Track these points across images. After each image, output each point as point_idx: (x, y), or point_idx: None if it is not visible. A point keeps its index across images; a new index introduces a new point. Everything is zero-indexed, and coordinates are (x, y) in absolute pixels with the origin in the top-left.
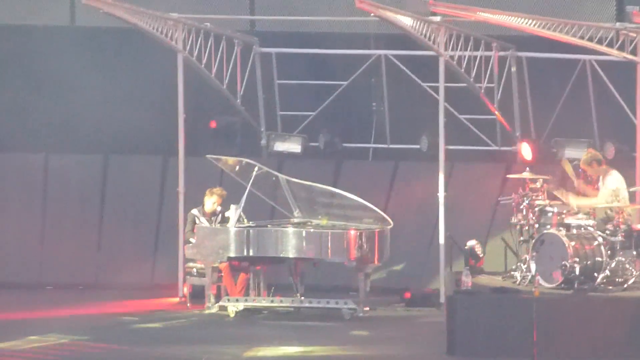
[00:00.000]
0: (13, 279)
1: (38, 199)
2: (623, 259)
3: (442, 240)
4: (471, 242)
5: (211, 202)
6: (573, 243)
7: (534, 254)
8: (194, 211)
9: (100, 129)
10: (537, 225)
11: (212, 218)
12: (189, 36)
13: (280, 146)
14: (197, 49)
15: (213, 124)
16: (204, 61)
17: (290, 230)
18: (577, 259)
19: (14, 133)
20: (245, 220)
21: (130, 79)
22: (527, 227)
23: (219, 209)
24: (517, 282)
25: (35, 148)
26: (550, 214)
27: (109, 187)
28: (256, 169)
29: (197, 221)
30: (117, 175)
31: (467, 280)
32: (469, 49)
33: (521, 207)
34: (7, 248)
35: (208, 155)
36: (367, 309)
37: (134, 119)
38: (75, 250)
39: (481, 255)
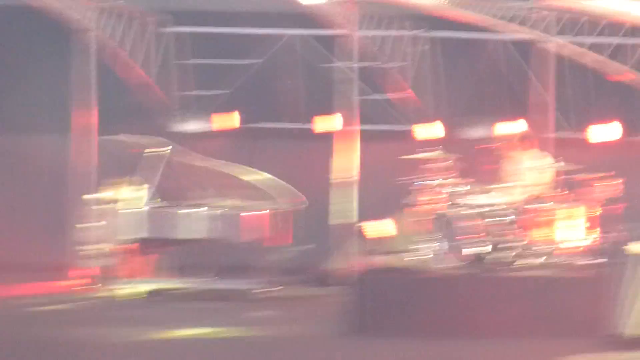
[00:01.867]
0: None
1: None
2: (533, 238)
3: (354, 217)
4: (381, 222)
5: (121, 191)
6: (481, 222)
7: (443, 233)
8: (103, 194)
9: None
10: (447, 204)
11: (125, 202)
12: (101, 16)
13: (194, 126)
14: (110, 29)
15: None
16: (117, 41)
17: (201, 211)
18: (486, 238)
19: None
20: (158, 200)
21: (39, 59)
22: (436, 206)
23: (131, 194)
24: (426, 262)
25: None
26: (460, 193)
27: (15, 168)
28: (170, 148)
29: (108, 204)
30: (24, 156)
31: (376, 260)
32: (382, 28)
33: (433, 186)
34: None
35: (121, 135)
36: (274, 289)
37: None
38: None
39: (391, 235)
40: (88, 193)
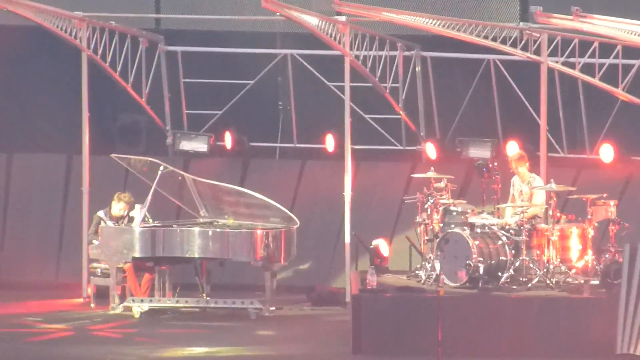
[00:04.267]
0: None
1: None
2: (527, 259)
3: (347, 239)
4: (376, 242)
5: (118, 208)
6: (477, 242)
7: (439, 253)
8: (100, 213)
9: (4, 127)
10: (441, 225)
11: (120, 222)
12: (93, 34)
13: (187, 145)
14: (101, 48)
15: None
16: (109, 60)
17: (196, 230)
18: (481, 259)
19: None
20: (151, 220)
21: (34, 77)
22: (431, 226)
23: (125, 213)
24: (422, 281)
25: None
26: (454, 213)
27: (12, 186)
28: (161, 168)
29: (102, 223)
30: (21, 174)
31: (373, 280)
32: (374, 48)
33: (426, 206)
34: None
35: (113, 155)
36: (273, 308)
37: (39, 118)
38: None
39: (386, 255)
40: (82, 212)
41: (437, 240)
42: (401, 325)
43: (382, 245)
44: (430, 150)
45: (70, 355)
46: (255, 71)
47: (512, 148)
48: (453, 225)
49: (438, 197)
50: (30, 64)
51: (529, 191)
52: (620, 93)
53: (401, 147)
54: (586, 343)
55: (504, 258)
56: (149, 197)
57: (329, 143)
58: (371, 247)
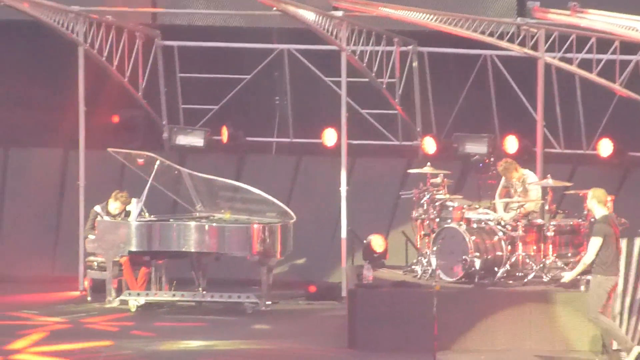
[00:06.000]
0: None
1: None
2: (523, 254)
3: (344, 234)
4: (370, 237)
5: (114, 207)
6: (473, 237)
7: (435, 248)
8: (97, 208)
9: (0, 122)
10: (437, 220)
11: (116, 217)
12: (90, 29)
13: (183, 140)
14: (98, 42)
15: (116, 119)
16: (105, 54)
17: (192, 224)
18: (477, 254)
19: None
20: (147, 214)
21: (30, 72)
22: (427, 222)
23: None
24: (418, 276)
25: None
26: (450, 208)
27: (9, 180)
28: (158, 162)
29: (98, 218)
30: (18, 168)
31: (369, 274)
32: (370, 43)
33: (422, 201)
34: None
35: (109, 149)
36: (269, 302)
37: (35, 112)
38: None
39: (380, 250)
40: (79, 206)
41: (434, 235)
42: (397, 320)
43: (375, 240)
44: (429, 144)
45: (65, 348)
46: (252, 66)
47: (511, 144)
48: (449, 220)
49: (434, 192)
50: (27, 58)
51: (524, 188)
52: (617, 89)
53: (398, 143)
54: (583, 338)
55: (500, 253)
56: (145, 191)
57: (329, 137)
58: (367, 242)
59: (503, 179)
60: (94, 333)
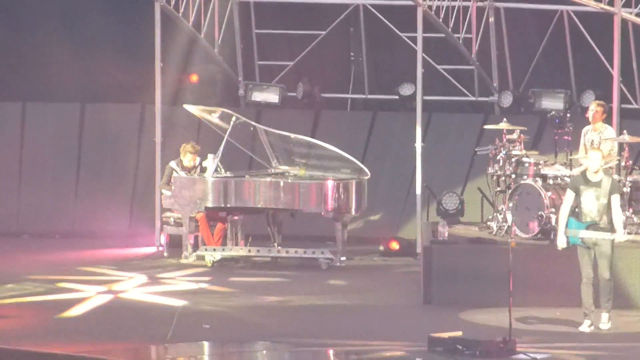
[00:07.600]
0: None
1: (15, 148)
2: None
3: (418, 190)
4: (443, 193)
5: (187, 159)
6: (549, 193)
7: (511, 204)
8: (172, 163)
9: (78, 77)
10: (513, 176)
11: (192, 172)
12: None
13: (258, 96)
14: None
15: (194, 78)
16: (182, 10)
17: (268, 180)
18: (553, 209)
19: None
20: (223, 170)
21: (107, 28)
22: (503, 178)
23: (198, 160)
24: (494, 233)
25: (12, 97)
26: (527, 165)
27: (85, 136)
28: (234, 118)
29: (174, 174)
30: (94, 124)
31: (444, 231)
32: None
33: (498, 157)
34: None
35: (185, 105)
36: (344, 258)
37: (112, 68)
38: (52, 198)
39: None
40: (155, 162)
41: (509, 191)
42: (472, 277)
43: (452, 197)
44: (506, 99)
45: (143, 303)
46: (327, 22)
47: (581, 99)
48: (525, 177)
49: (510, 148)
50: (103, 13)
51: (599, 141)
52: None
53: (474, 98)
54: None
55: (576, 209)
56: (221, 148)
57: (405, 92)
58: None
59: (584, 136)
60: (171, 289)
